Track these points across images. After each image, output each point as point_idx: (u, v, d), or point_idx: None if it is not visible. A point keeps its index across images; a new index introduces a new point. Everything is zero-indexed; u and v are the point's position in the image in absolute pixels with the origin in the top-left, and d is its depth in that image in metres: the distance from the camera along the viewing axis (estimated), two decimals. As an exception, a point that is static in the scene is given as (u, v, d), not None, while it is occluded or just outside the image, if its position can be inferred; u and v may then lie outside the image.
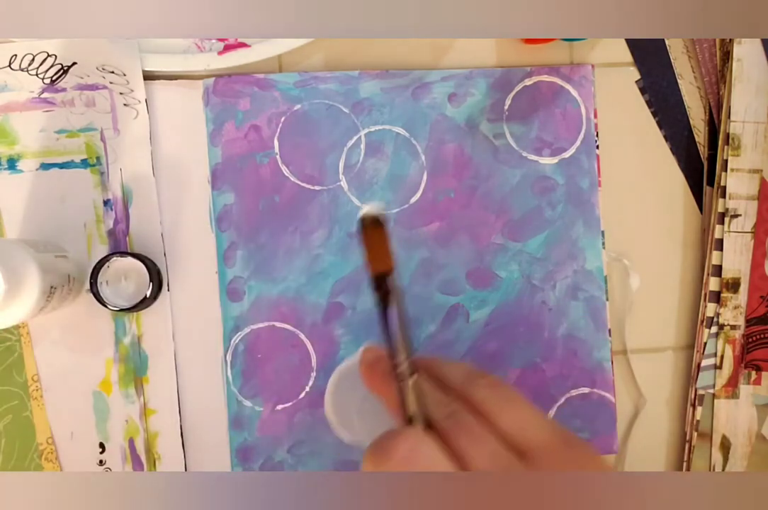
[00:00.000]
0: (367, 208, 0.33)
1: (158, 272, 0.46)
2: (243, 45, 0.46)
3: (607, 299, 0.50)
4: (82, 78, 0.46)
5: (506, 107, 0.50)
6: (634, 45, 0.51)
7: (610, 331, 0.50)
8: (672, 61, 0.51)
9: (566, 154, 0.50)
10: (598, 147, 0.50)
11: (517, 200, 0.50)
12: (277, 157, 0.48)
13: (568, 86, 0.50)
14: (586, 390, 0.50)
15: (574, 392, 0.50)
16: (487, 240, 0.49)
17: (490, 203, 0.49)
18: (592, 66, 0.50)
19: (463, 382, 0.37)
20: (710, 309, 0.50)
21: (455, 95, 0.49)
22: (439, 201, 0.49)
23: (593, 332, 0.50)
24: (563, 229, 0.50)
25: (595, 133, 0.50)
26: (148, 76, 0.47)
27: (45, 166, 0.46)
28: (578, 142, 0.50)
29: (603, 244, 0.50)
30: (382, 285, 0.32)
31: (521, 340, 0.50)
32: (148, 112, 0.47)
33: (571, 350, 0.50)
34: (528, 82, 0.50)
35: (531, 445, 0.34)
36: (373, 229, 0.33)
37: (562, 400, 0.50)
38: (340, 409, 0.42)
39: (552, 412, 0.50)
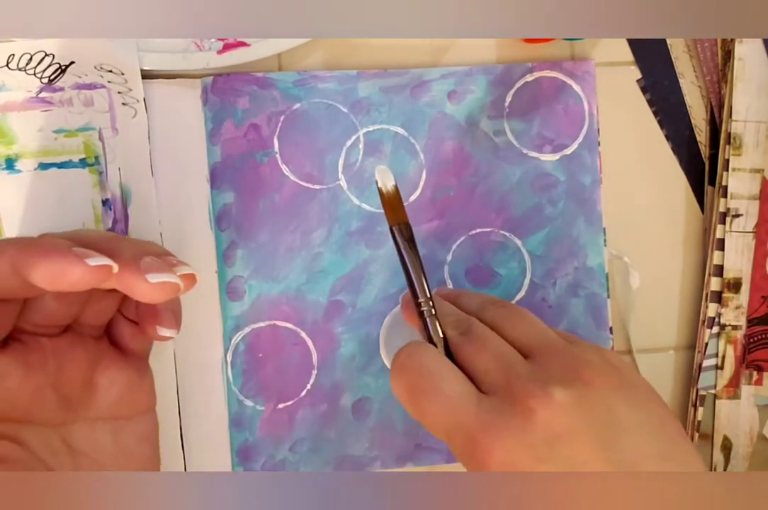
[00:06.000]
0: (381, 170, 0.41)
1: (158, 272, 0.46)
2: (243, 44, 0.46)
3: (608, 296, 0.50)
4: (80, 77, 0.45)
5: (507, 104, 0.49)
6: (635, 44, 0.51)
7: (611, 328, 0.50)
8: (673, 60, 0.51)
9: (568, 151, 0.50)
10: (598, 143, 0.50)
11: (518, 198, 0.49)
12: (277, 156, 0.48)
13: (570, 81, 0.50)
14: (585, 387, 0.50)
15: (574, 389, 0.50)
16: (487, 238, 0.49)
17: (490, 201, 0.49)
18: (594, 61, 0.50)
19: (477, 307, 0.41)
20: (711, 309, 0.50)
21: (455, 93, 0.49)
22: (438, 199, 0.49)
23: (594, 329, 0.50)
24: (564, 226, 0.50)
25: (597, 129, 0.50)
26: (147, 75, 0.46)
27: (43, 166, 0.46)
28: (580, 138, 0.50)
29: (605, 241, 0.50)
30: (401, 234, 0.39)
31: (520, 337, 0.49)
32: (146, 112, 0.46)
33: (571, 347, 0.50)
34: (529, 78, 0.49)
35: (535, 346, 0.37)
36: (387, 187, 0.40)
37: (562, 396, 0.50)
38: (391, 349, 0.48)
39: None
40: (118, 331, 0.38)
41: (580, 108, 0.50)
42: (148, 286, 0.32)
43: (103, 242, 0.33)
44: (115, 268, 0.31)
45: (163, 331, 0.37)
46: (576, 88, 0.50)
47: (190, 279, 0.34)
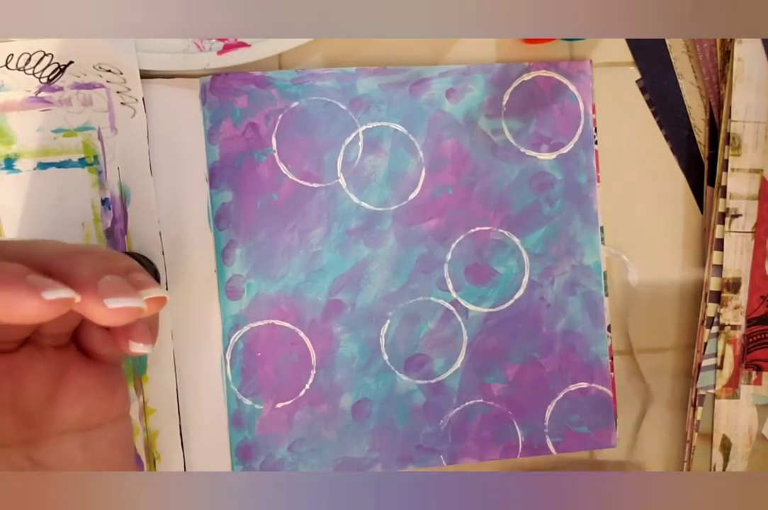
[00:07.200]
0: None
1: (156, 271, 0.46)
2: (243, 44, 0.46)
3: (606, 295, 0.50)
4: (78, 77, 0.45)
5: (504, 103, 0.49)
6: (634, 44, 0.51)
7: (609, 327, 0.50)
8: (672, 60, 0.51)
9: (564, 150, 0.50)
10: (596, 142, 0.50)
11: (516, 196, 0.50)
12: (275, 154, 0.48)
13: (566, 81, 0.50)
14: (584, 385, 0.50)
15: (572, 387, 0.50)
16: (486, 236, 0.49)
17: (489, 199, 0.49)
18: (590, 61, 0.50)
19: None
20: (711, 309, 0.50)
21: (453, 91, 0.49)
22: (437, 197, 0.49)
23: (591, 327, 0.50)
24: (561, 224, 0.50)
25: (594, 129, 0.50)
26: (146, 75, 0.46)
27: (42, 166, 0.45)
28: (576, 138, 0.50)
29: (602, 239, 0.50)
30: None
31: (520, 335, 0.50)
32: (145, 111, 0.46)
33: (569, 345, 0.50)
34: (526, 77, 0.49)
35: None
36: None
37: (561, 395, 0.50)
38: None
39: (551, 407, 0.50)
40: (87, 336, 0.34)
41: (575, 107, 0.50)
42: (105, 311, 0.28)
43: (59, 260, 0.29)
44: (77, 299, 0.28)
45: (137, 347, 0.33)
46: (572, 87, 0.50)
47: (157, 302, 0.31)
